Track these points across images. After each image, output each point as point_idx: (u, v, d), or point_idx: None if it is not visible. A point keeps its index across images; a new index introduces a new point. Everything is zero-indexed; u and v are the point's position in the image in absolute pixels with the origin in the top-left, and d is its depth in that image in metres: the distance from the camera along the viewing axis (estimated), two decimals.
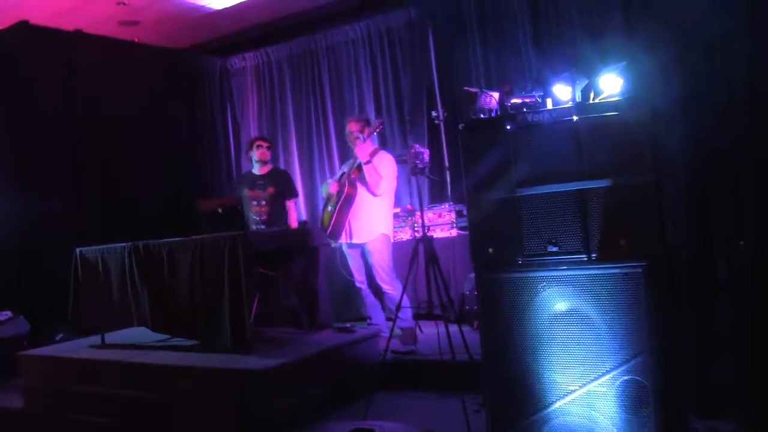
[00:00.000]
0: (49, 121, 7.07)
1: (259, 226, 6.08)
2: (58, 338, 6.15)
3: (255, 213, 6.13)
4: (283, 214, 6.30)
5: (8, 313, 6.25)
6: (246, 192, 6.22)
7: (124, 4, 7.37)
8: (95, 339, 5.52)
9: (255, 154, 6.34)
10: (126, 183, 7.63)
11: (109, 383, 4.84)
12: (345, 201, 5.53)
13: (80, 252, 5.50)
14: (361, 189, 5.56)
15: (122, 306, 5.26)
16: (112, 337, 5.57)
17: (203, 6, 7.69)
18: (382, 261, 5.57)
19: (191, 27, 8.31)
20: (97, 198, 7.25)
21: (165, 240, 5.09)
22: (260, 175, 6.30)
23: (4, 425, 5.28)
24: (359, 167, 5.51)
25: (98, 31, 7.60)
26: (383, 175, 5.50)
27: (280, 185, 6.24)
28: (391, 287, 5.55)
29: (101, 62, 7.53)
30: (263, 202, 6.10)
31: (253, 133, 8.90)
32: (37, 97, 7.03)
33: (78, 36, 7.36)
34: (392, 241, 5.77)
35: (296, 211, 6.60)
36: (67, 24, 7.32)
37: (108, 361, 4.96)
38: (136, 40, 8.20)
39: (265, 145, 6.34)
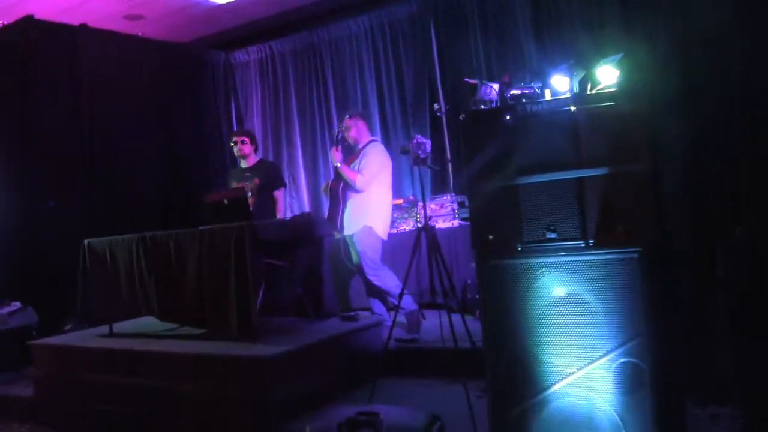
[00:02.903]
0: (55, 115, 7.14)
1: None
2: (66, 328, 6.21)
3: None
4: (271, 205, 6.37)
5: (17, 304, 6.33)
6: (234, 185, 6.30)
7: None
8: (103, 329, 5.59)
9: (234, 151, 6.47)
10: (131, 177, 7.69)
11: (117, 372, 4.92)
12: (332, 195, 5.76)
13: (88, 243, 5.56)
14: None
15: (130, 296, 5.33)
16: (120, 326, 5.65)
17: (207, 0, 7.76)
18: (365, 252, 5.65)
19: (195, 21, 8.38)
20: (102, 192, 7.31)
21: (172, 231, 5.16)
22: (247, 168, 6.40)
23: (15, 413, 5.37)
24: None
25: (103, 26, 7.65)
26: (365, 170, 5.64)
27: (267, 176, 6.31)
28: (376, 277, 5.64)
29: (106, 56, 7.59)
30: (249, 194, 6.14)
31: (257, 126, 8.96)
32: (43, 90, 7.08)
33: (83, 30, 7.40)
34: (388, 231, 5.85)
35: (284, 202, 6.68)
36: (73, 20, 7.39)
37: (116, 350, 5.04)
38: (140, 34, 8.26)
39: (239, 140, 6.39)
